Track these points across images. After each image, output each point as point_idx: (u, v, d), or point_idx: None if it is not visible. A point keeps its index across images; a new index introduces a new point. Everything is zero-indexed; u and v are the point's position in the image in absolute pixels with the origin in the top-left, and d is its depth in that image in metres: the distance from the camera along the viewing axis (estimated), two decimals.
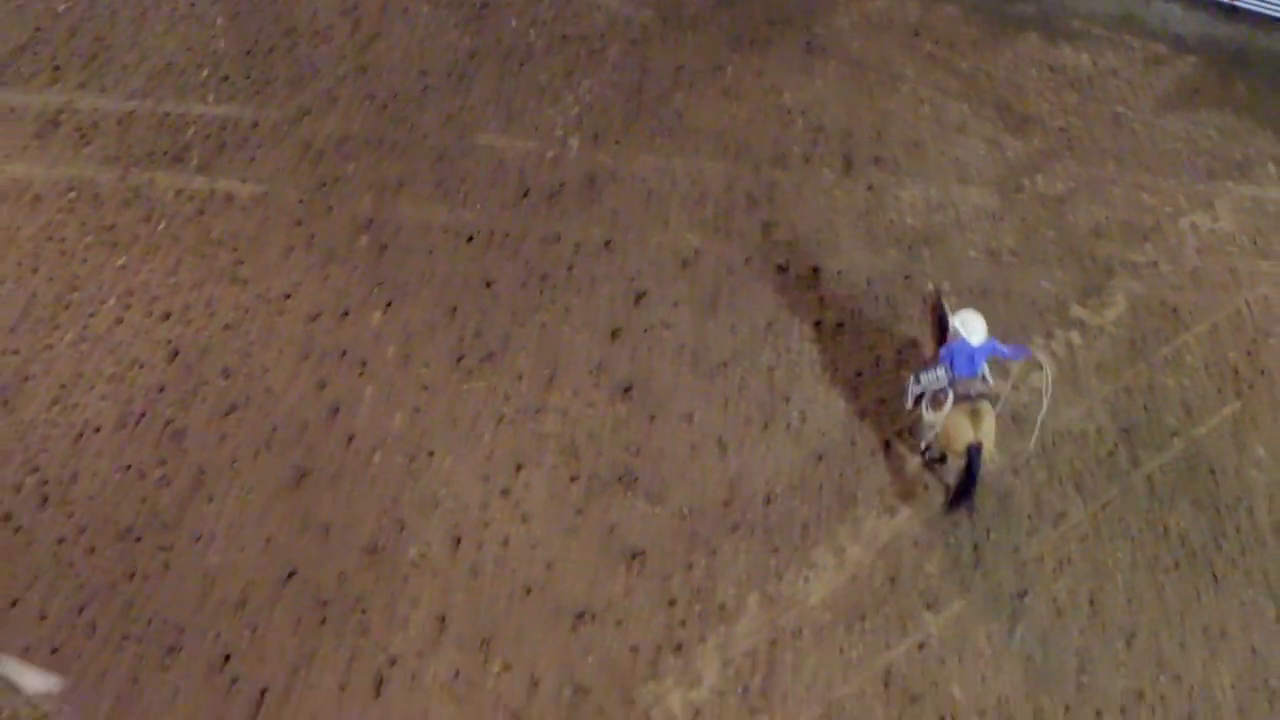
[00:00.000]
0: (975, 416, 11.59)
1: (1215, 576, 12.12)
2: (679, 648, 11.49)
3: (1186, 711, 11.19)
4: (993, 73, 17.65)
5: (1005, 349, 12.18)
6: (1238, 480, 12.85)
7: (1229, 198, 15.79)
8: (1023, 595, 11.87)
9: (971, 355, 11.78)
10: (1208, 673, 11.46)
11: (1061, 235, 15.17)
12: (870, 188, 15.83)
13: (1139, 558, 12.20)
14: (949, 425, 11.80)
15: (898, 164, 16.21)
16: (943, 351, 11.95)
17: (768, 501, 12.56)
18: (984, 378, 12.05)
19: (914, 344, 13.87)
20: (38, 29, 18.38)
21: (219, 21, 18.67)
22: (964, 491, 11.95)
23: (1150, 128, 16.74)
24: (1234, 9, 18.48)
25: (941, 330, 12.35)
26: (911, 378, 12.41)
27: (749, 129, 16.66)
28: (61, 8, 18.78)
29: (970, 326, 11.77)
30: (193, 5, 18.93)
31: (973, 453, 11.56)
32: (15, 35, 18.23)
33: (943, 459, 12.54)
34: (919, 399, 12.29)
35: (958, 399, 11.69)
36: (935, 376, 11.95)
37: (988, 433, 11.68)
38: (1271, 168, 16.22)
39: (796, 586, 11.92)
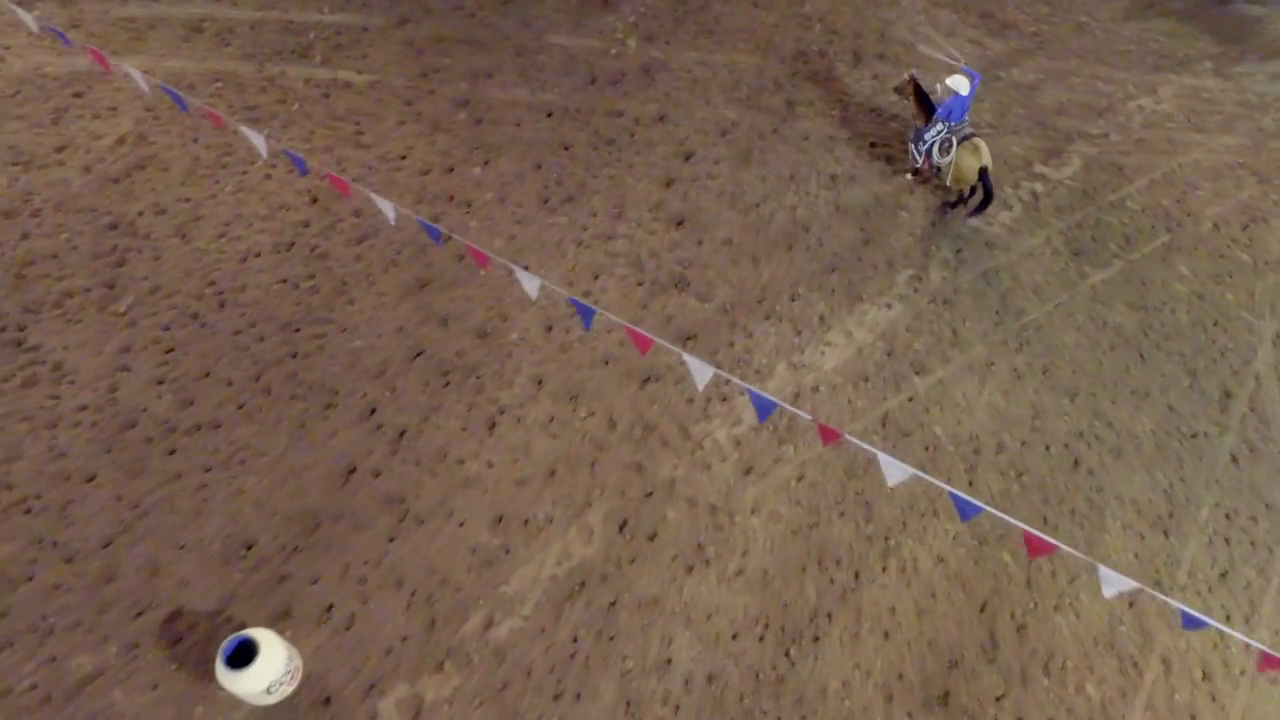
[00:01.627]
0: (975, 150, 15.08)
1: (1142, 355, 15.17)
2: (724, 398, 14.61)
3: (1116, 445, 14.26)
4: None
5: (974, 82, 15.60)
6: (1164, 289, 15.89)
7: (1171, 86, 18.71)
8: (991, 364, 14.98)
9: (963, 105, 15.19)
10: (1133, 421, 14.54)
11: (1030, 112, 18.12)
12: (875, 77, 18.80)
13: (1082, 341, 15.26)
14: (959, 163, 15.22)
15: (898, 59, 19.11)
16: (940, 110, 15.30)
17: (792, 299, 15.67)
18: (966, 122, 15.60)
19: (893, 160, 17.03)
20: None
21: None
22: (985, 202, 15.68)
23: (1109, 32, 19.62)
24: None
25: (922, 102, 15.82)
26: (913, 141, 15.77)
27: (775, 32, 19.57)
28: None
29: (959, 84, 15.15)
30: None
31: (985, 174, 15.22)
32: None
33: (959, 198, 15.93)
34: (928, 152, 15.67)
35: (959, 142, 15.18)
36: (936, 131, 15.40)
37: (987, 157, 15.26)
38: (1208, 64, 19.08)
39: (815, 358, 15.06)
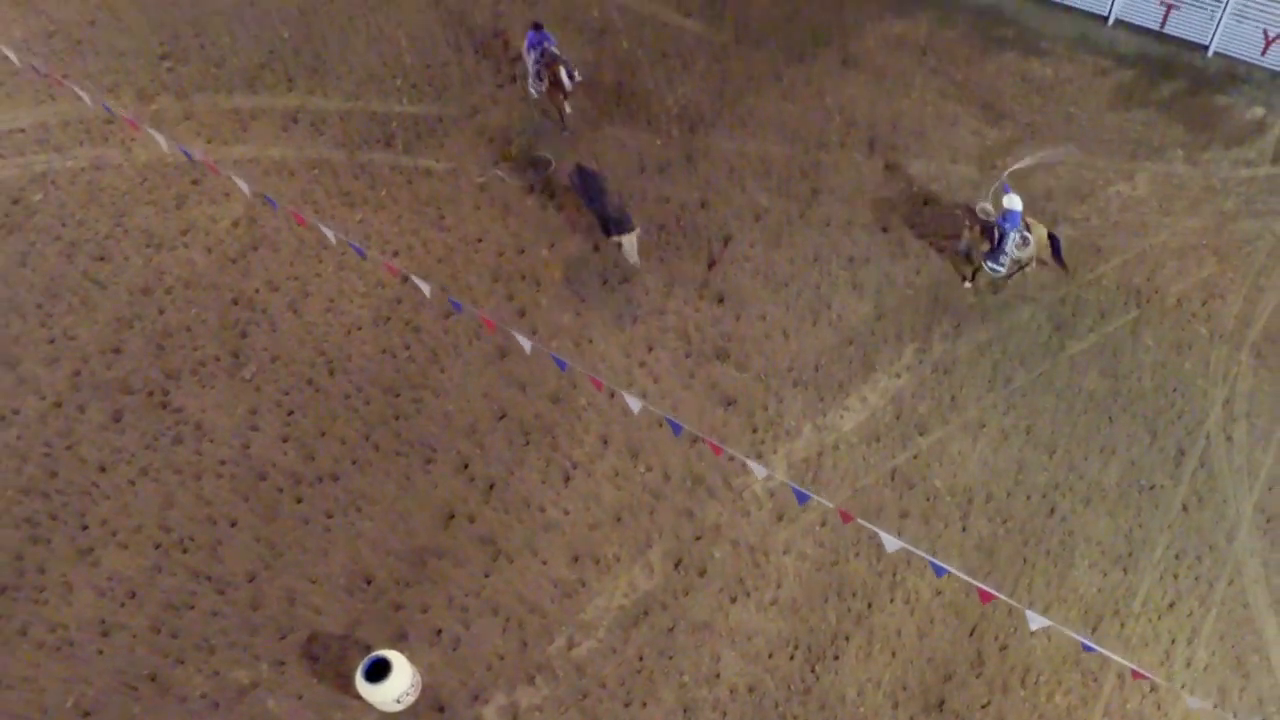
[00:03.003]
0: (1034, 228, 18.26)
1: (1110, 418, 18.35)
2: (760, 455, 17.86)
3: (1086, 495, 17.40)
4: (980, 81, 23.48)
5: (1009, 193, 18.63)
6: (1132, 359, 19.03)
7: (1146, 173, 21.80)
8: (983, 426, 18.25)
9: (1018, 214, 18.06)
10: (1101, 474, 17.71)
11: (1022, 197, 21.06)
12: (887, 165, 22.01)
13: (1060, 405, 18.45)
14: (1036, 242, 18.11)
15: (907, 148, 22.27)
16: (1006, 225, 18.01)
17: (816, 369, 18.92)
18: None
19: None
20: (271, 50, 24.66)
21: (403, 42, 24.70)
22: (1058, 256, 18.67)
23: (1094, 122, 22.70)
24: (1163, 34, 24.54)
25: (988, 234, 18.45)
26: (993, 263, 18.48)
27: (800, 123, 22.73)
28: (286, 34, 24.91)
29: (1014, 202, 18.10)
30: (381, 29, 25.05)
31: (1052, 238, 18.50)
32: (257, 55, 24.58)
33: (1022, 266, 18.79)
34: (1015, 263, 18.59)
35: (1025, 231, 18.03)
36: (1013, 242, 18.25)
37: (1041, 227, 18.39)
38: (1179, 152, 22.12)
39: (835, 419, 18.32)
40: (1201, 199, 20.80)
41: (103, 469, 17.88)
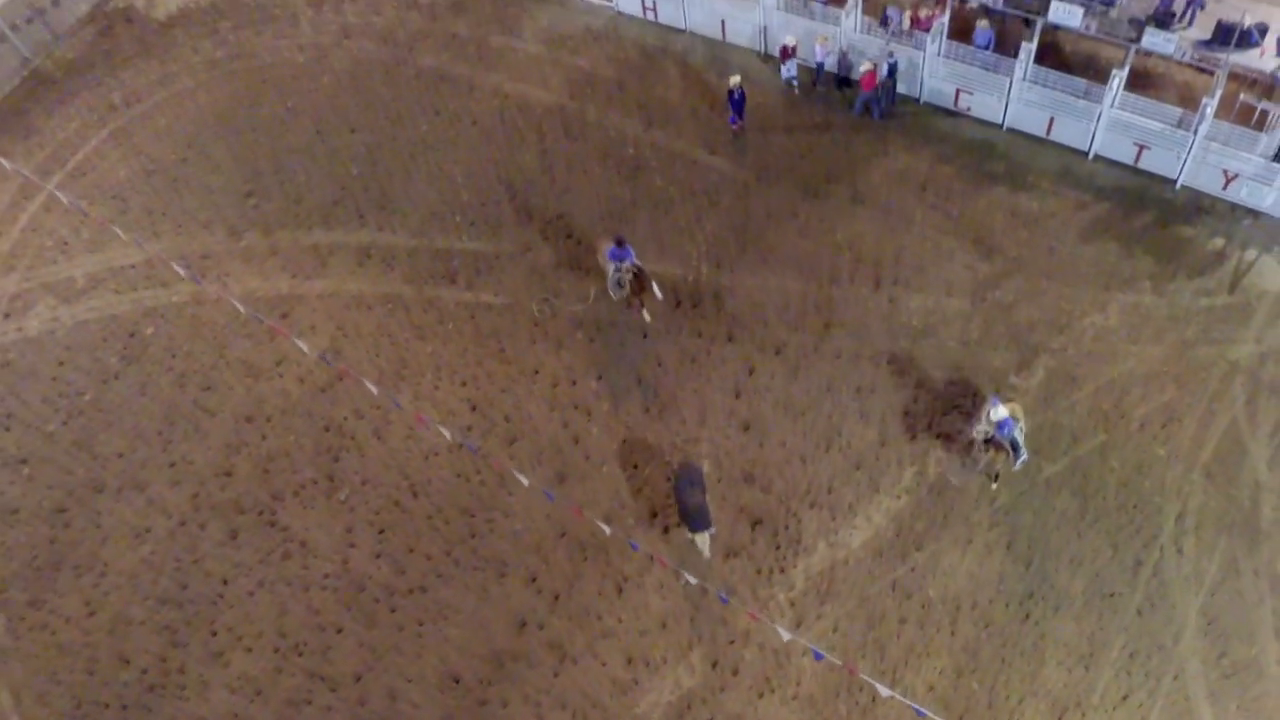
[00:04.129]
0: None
1: (1079, 533, 22.50)
2: (782, 570, 22.09)
3: (1056, 602, 21.60)
4: (973, 216, 27.00)
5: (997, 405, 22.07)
6: (1099, 480, 23.19)
7: (1117, 304, 25.93)
8: (970, 541, 22.65)
9: (1010, 420, 21.35)
10: (1070, 583, 21.81)
11: (1008, 329, 25.34)
12: (891, 300, 26.15)
13: (1037, 523, 22.64)
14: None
15: (908, 282, 26.30)
16: (1007, 432, 21.15)
17: (829, 491, 23.24)
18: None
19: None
20: (343, 188, 29.07)
21: (459, 179, 28.97)
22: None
23: (1073, 254, 26.77)
24: (1137, 168, 28.81)
25: (1001, 447, 21.73)
26: (1020, 458, 21.46)
27: (814, 259, 26.62)
28: (355, 171, 29.31)
29: (1000, 413, 21.15)
30: (440, 167, 29.32)
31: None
32: (330, 193, 28.95)
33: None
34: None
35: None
36: (1016, 431, 21.32)
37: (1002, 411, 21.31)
38: (1147, 282, 26.12)
39: (846, 537, 22.58)
40: (1166, 328, 24.85)
41: (225, 581, 22.28)
